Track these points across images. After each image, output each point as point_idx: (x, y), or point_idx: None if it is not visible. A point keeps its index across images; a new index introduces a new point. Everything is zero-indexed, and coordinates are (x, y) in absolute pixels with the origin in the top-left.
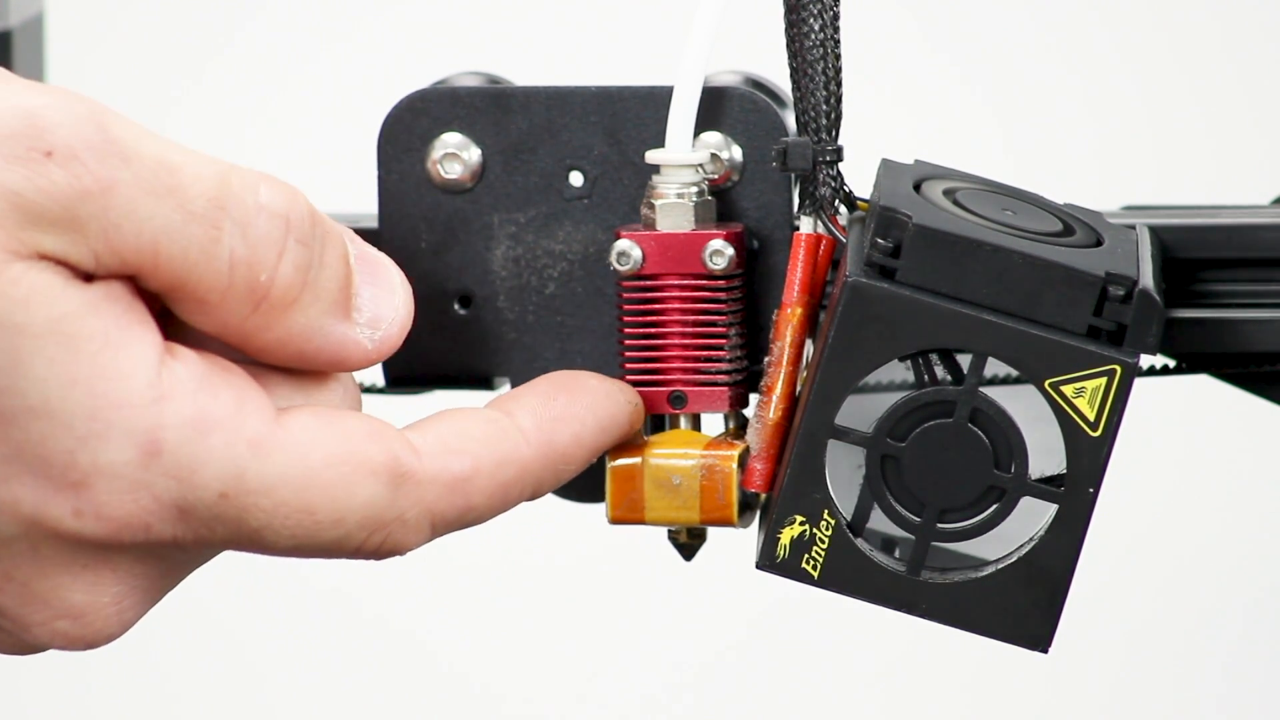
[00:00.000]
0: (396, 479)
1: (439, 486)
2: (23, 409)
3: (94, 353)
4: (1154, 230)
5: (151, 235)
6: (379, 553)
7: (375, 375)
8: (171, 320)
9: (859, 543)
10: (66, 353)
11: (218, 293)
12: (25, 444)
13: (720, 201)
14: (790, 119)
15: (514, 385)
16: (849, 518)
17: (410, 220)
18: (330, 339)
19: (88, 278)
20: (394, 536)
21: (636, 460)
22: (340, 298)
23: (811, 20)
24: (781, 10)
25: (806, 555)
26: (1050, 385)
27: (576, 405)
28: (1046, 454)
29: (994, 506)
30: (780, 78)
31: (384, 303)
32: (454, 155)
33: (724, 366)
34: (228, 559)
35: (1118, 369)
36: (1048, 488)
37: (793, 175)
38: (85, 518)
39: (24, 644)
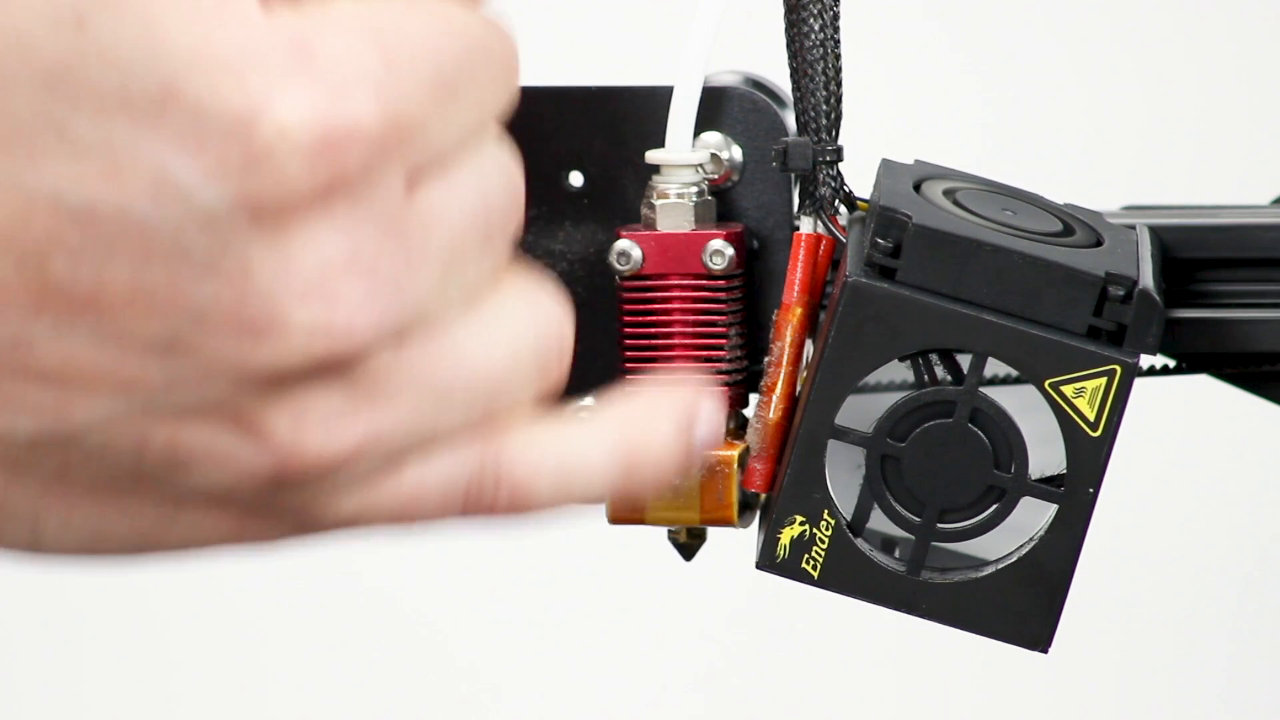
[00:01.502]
0: None
1: None
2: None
3: None
4: (1154, 230)
5: None
6: None
7: None
8: None
9: (859, 543)
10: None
11: None
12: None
13: (720, 201)
14: (790, 119)
15: None
16: (849, 518)
17: None
18: None
19: None
20: None
21: None
22: None
23: (811, 20)
24: (781, 10)
25: (806, 555)
26: (1050, 385)
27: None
28: (1047, 453)
29: (994, 506)
30: (780, 78)
31: None
32: None
33: (724, 366)
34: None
35: (1118, 369)
36: (1048, 488)
37: (793, 175)
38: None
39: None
